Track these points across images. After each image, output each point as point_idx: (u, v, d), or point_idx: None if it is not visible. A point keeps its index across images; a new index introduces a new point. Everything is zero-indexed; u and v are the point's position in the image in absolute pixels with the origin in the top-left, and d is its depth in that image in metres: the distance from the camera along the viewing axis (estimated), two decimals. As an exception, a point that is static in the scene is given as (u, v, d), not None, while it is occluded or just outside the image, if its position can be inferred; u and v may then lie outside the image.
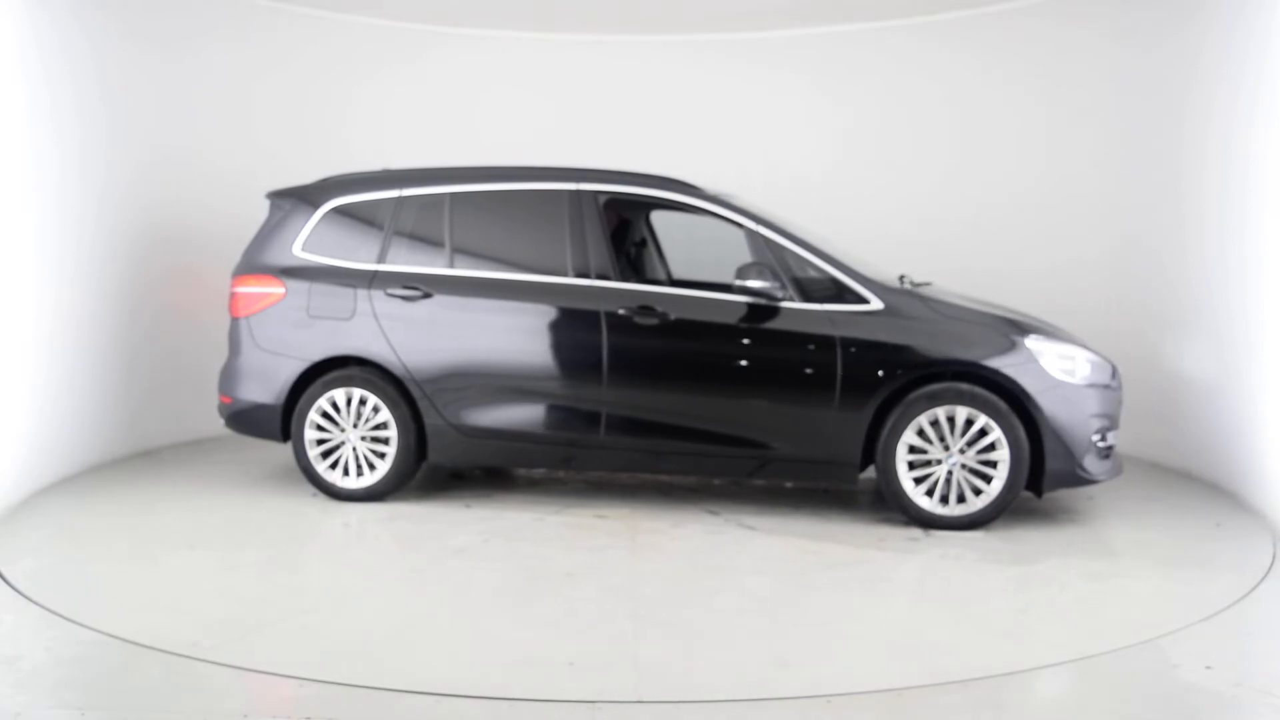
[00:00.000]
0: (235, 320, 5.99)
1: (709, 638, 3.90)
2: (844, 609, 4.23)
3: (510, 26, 8.33)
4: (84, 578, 4.59)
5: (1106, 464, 5.45)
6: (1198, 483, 6.42)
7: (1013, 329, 5.41)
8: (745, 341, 5.47)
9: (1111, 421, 5.44)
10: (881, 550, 5.01)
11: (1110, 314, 7.25)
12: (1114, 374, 5.58)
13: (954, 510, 5.31)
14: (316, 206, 5.99)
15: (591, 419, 5.59)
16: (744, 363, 5.49)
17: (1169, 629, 3.96)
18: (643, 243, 6.83)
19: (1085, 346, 5.53)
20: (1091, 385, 5.37)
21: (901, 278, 5.98)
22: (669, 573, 4.68)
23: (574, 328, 5.58)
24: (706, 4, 7.92)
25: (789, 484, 6.14)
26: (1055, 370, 5.28)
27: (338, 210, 5.97)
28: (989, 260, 7.59)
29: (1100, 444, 5.37)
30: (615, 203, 5.95)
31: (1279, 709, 3.33)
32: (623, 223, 6.58)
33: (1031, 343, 5.33)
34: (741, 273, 5.42)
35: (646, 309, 5.52)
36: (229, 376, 6.02)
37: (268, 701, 3.29)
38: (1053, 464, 5.26)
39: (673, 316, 5.51)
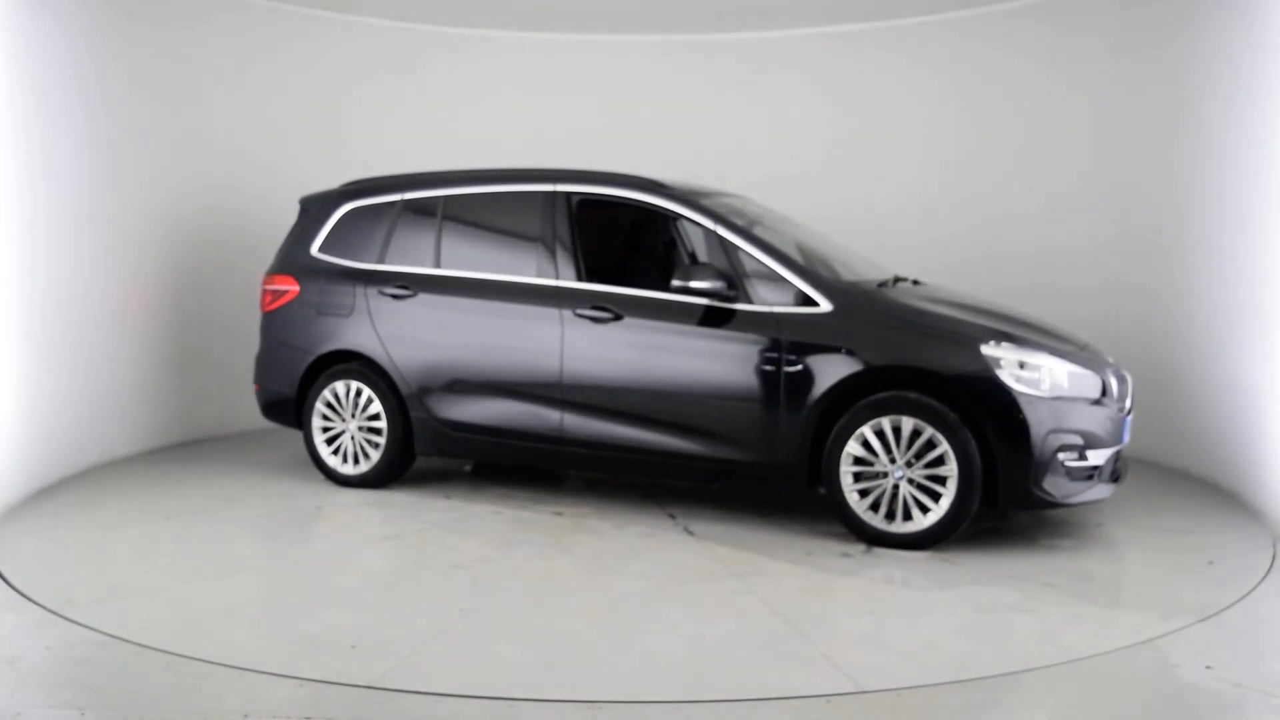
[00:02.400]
0: (264, 315, 6.52)
1: (516, 635, 3.89)
2: (674, 619, 4.05)
3: (512, 27, 8.45)
4: (47, 548, 4.99)
5: (1080, 485, 4.89)
6: (1209, 493, 6.01)
7: (975, 334, 4.96)
8: (693, 343, 5.34)
9: (1089, 440, 4.88)
10: (798, 564, 4.75)
11: (1110, 312, 6.89)
12: (1104, 390, 5.02)
13: (901, 527, 4.95)
14: (334, 210, 6.41)
15: (553, 419, 5.65)
16: (691, 365, 5.36)
17: (989, 673, 3.56)
18: (671, 243, 6.79)
19: (1067, 357, 5.00)
20: (1061, 399, 4.86)
21: (896, 278, 5.66)
22: (557, 571, 4.68)
23: (536, 327, 5.66)
24: (707, 4, 7.77)
25: (784, 492, 5.92)
26: (1011, 380, 4.82)
27: (351, 213, 6.36)
28: (992, 260, 7.20)
29: (1072, 463, 4.85)
30: (626, 205, 5.96)
31: (1279, 710, 3.28)
32: (640, 224, 6.59)
33: (989, 350, 4.88)
34: (684, 273, 5.31)
35: (601, 309, 5.53)
36: (258, 367, 6.56)
37: (268, 701, 3.29)
38: (1007, 482, 4.80)
39: (625, 317, 5.48)
